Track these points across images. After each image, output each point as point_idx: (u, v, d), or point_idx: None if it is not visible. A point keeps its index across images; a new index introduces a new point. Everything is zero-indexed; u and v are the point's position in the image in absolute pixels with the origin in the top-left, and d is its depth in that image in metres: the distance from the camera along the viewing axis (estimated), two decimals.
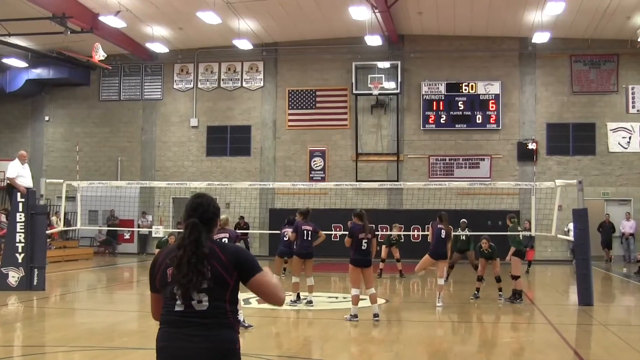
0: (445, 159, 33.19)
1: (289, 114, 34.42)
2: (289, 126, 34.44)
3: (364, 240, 13.80)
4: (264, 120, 34.75)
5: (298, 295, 16.43)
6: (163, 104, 35.86)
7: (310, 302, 16.07)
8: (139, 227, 33.51)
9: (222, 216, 14.72)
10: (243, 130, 34.90)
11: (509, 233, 18.44)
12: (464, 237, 22.84)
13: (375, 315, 13.86)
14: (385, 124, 33.76)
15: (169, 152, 35.63)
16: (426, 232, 21.18)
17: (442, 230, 16.38)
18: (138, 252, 34.77)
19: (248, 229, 31.49)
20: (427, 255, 16.59)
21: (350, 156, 33.77)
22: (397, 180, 32.16)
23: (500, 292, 17.66)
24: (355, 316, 13.72)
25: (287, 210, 26.74)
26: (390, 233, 24.63)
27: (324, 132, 34.11)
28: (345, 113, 33.96)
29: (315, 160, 34.05)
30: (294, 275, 16.42)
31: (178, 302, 4.42)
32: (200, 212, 4.60)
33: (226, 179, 33.10)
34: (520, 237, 18.43)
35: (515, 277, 17.22)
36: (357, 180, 32.29)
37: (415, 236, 29.89)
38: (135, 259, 32.76)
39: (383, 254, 23.70)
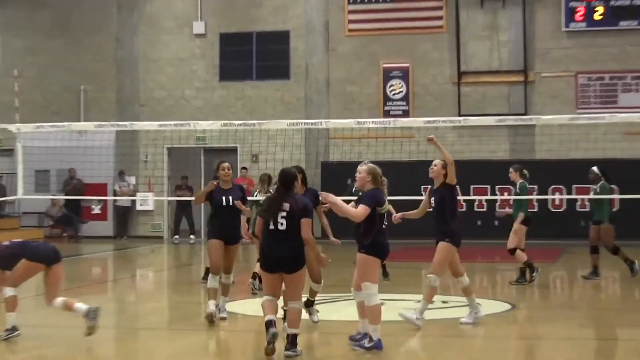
0: (604, 78, 26.84)
1: (350, 12, 27.89)
2: (350, 31, 28.00)
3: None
4: (310, 23, 28.41)
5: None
6: (149, 0, 29.39)
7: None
8: (115, 194, 27.96)
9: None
10: (277, 39, 28.52)
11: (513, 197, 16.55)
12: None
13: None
14: (505, 23, 27.38)
15: (161, 76, 29.28)
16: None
17: None
18: (115, 236, 28.34)
19: None
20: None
21: (449, 76, 27.54)
22: (525, 114, 25.93)
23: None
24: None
25: (350, 164, 19.79)
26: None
27: (406, 38, 27.59)
28: (439, 8, 27.58)
29: (392, 85, 27.44)
30: None
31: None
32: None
33: (252, 117, 25.93)
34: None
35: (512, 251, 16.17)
36: (460, 115, 26.10)
37: (557, 203, 24.99)
38: (112, 245, 26.82)
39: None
